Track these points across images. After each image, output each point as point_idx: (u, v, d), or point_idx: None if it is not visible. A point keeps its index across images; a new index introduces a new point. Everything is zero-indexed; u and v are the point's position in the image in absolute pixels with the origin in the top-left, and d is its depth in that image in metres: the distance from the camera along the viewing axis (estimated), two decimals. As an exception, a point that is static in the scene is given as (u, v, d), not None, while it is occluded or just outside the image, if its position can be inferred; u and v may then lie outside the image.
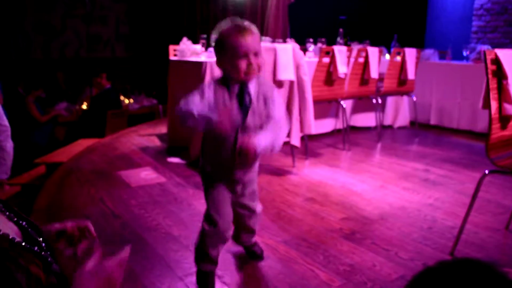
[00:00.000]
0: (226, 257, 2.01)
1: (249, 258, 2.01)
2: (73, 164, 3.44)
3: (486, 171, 1.98)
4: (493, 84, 1.95)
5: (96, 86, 5.80)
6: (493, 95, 1.94)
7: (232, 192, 1.73)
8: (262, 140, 1.51)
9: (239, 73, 1.53)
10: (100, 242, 1.01)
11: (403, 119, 5.18)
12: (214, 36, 1.59)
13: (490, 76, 1.93)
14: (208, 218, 1.70)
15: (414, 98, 4.77)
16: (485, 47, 4.60)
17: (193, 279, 1.81)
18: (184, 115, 1.53)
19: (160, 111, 6.36)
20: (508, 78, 1.95)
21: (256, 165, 1.76)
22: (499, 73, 1.97)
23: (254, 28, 1.56)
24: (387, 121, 5.14)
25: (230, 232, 1.76)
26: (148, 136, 4.46)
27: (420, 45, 6.75)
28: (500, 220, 2.49)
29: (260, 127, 1.59)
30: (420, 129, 4.96)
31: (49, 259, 0.75)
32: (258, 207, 1.87)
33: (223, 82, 1.59)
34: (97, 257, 0.83)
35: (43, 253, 0.74)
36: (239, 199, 1.77)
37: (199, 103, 1.53)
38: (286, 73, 3.17)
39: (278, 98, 1.64)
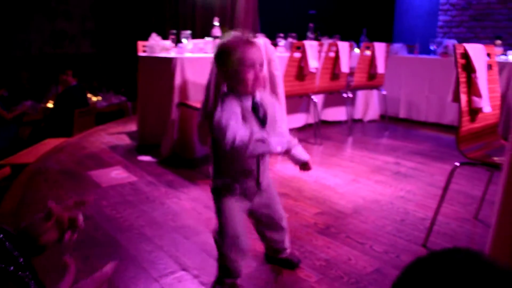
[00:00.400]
0: (202, 256, 1.99)
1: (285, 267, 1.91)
2: (40, 165, 3.32)
3: (457, 163, 2.01)
4: (462, 78, 1.98)
5: (61, 83, 5.63)
6: (463, 88, 1.97)
7: (250, 200, 1.68)
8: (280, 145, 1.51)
9: (246, 85, 1.50)
10: (71, 245, 0.98)
11: (373, 112, 5.25)
12: (216, 50, 1.57)
13: (459, 70, 1.97)
14: (221, 230, 1.64)
15: (384, 92, 4.84)
16: (451, 42, 4.71)
17: (168, 280, 1.78)
18: (245, 146, 1.44)
19: (130, 108, 6.23)
20: (477, 71, 1.99)
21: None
22: (468, 67, 2.00)
23: (257, 40, 1.58)
24: (357, 115, 5.20)
25: (245, 241, 1.68)
26: (117, 135, 4.36)
27: (388, 39, 6.85)
28: (469, 210, 2.55)
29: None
30: (390, 122, 5.04)
31: (26, 280, 0.69)
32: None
33: (234, 97, 1.54)
34: (71, 277, 0.78)
35: (20, 272, 0.69)
36: (258, 205, 1.72)
37: (241, 126, 1.48)
38: (258, 69, 3.15)
39: (279, 105, 1.70)
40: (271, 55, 3.27)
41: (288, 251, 1.91)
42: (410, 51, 5.36)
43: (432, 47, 5.05)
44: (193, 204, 2.62)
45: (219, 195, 1.66)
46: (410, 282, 0.63)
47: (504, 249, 1.65)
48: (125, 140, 4.14)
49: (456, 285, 0.55)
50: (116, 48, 7.53)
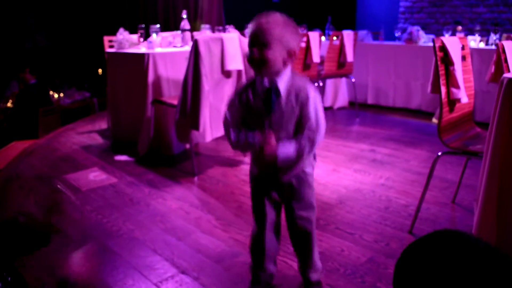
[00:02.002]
0: (198, 257, 1.99)
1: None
2: (11, 171, 3.20)
3: (439, 153, 2.09)
4: (441, 70, 2.05)
5: (21, 81, 5.40)
6: (442, 80, 2.05)
7: (279, 196, 1.63)
8: (284, 149, 1.43)
9: (250, 66, 1.46)
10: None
11: (343, 100, 5.35)
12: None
13: (438, 62, 2.04)
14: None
15: (353, 80, 4.93)
16: (415, 28, 4.84)
17: (169, 284, 1.78)
18: (235, 144, 1.53)
19: (96, 104, 6.06)
20: (454, 64, 2.07)
21: (302, 171, 1.58)
22: (446, 59, 2.08)
23: (271, 19, 1.41)
24: (327, 102, 5.29)
25: (267, 239, 1.66)
26: (88, 134, 4.25)
27: (351, 26, 6.97)
28: (446, 195, 2.67)
29: (291, 127, 1.47)
30: (359, 109, 5.16)
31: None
32: (313, 215, 1.65)
33: (251, 80, 1.51)
34: None
35: None
36: (290, 209, 1.63)
37: (233, 128, 1.52)
38: (234, 63, 3.14)
39: (315, 96, 1.45)
40: (246, 48, 3.26)
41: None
42: (375, 38, 5.48)
43: (396, 34, 5.18)
44: (179, 203, 2.61)
45: (251, 184, 1.66)
46: (409, 271, 0.69)
47: (489, 232, 1.75)
48: (97, 139, 4.04)
49: (449, 263, 0.62)
50: (76, 41, 7.26)
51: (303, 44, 4.18)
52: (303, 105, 1.43)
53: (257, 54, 1.40)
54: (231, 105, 1.53)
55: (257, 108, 1.48)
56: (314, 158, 1.63)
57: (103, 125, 4.55)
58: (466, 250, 0.65)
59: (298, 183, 1.58)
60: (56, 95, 6.11)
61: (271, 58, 1.39)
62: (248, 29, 1.43)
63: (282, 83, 1.45)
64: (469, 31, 5.16)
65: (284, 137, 1.47)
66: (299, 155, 1.46)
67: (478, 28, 4.61)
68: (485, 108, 4.12)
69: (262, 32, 1.39)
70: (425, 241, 0.68)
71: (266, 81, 1.46)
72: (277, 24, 1.40)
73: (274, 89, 1.45)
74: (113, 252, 2.05)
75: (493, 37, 4.38)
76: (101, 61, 5.18)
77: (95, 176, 3.06)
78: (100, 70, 6.79)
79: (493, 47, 4.36)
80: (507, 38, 4.14)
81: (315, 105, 1.45)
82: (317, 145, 1.48)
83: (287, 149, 1.44)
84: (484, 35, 4.66)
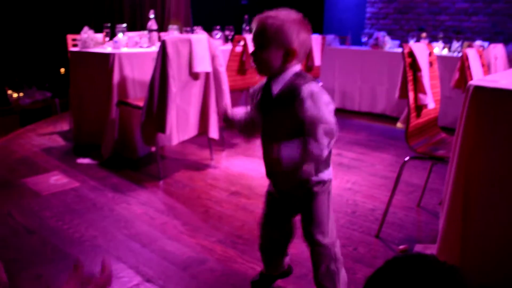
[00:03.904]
0: (164, 265, 1.93)
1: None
2: (-35, 174, 3.03)
3: (407, 158, 2.12)
4: (409, 76, 2.08)
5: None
6: (410, 86, 2.08)
7: (287, 206, 1.58)
8: (286, 151, 1.32)
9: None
10: (17, 265, 0.93)
11: (310, 103, 5.37)
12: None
13: (407, 68, 2.06)
14: None
15: (321, 83, 4.95)
16: (381, 34, 4.93)
17: (133, 294, 1.71)
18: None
19: (57, 105, 5.85)
20: (422, 70, 2.10)
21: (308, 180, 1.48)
22: (414, 65, 2.11)
23: (271, 17, 1.35)
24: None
25: (265, 242, 1.68)
26: (49, 135, 4.09)
27: (319, 31, 7.03)
28: (411, 199, 2.71)
29: (288, 128, 1.40)
30: (326, 112, 5.18)
31: None
32: (323, 239, 1.52)
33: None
34: None
35: None
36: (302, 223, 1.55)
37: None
38: (202, 65, 3.09)
39: (311, 95, 1.33)
40: (215, 50, 3.22)
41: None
42: (342, 42, 5.54)
43: (363, 39, 5.26)
44: (144, 208, 2.54)
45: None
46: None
47: (455, 236, 1.78)
48: (59, 142, 3.89)
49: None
50: (36, 38, 7.00)
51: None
52: (298, 105, 1.33)
53: (255, 55, 1.38)
54: (249, 102, 1.53)
55: (257, 107, 1.47)
56: (326, 165, 1.49)
57: (65, 126, 4.39)
58: (430, 276, 0.65)
59: (303, 195, 1.49)
60: (15, 95, 5.86)
61: (265, 59, 1.36)
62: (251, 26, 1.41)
63: (278, 84, 1.39)
64: (433, 38, 5.30)
65: (281, 138, 1.36)
66: (306, 156, 1.33)
67: (441, 35, 4.74)
68: (447, 114, 4.22)
69: (258, 32, 1.36)
70: (390, 268, 0.68)
71: (265, 81, 1.45)
72: (275, 23, 1.34)
73: (267, 89, 1.42)
74: (74, 259, 1.95)
75: (455, 45, 4.51)
76: (63, 60, 5.01)
77: (56, 180, 2.94)
78: (62, 70, 6.57)
79: (456, 54, 4.49)
80: (469, 46, 4.27)
81: (313, 104, 1.32)
82: (323, 141, 1.31)
83: (289, 150, 1.32)
84: (447, 42, 4.79)
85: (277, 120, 1.43)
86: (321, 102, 1.33)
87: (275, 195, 1.60)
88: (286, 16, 1.36)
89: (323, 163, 1.47)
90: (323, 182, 1.48)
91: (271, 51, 1.35)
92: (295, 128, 1.36)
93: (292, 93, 1.35)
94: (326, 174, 1.49)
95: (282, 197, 1.58)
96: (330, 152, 1.44)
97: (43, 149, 3.62)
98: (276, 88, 1.39)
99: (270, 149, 1.35)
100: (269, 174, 1.55)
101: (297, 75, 1.39)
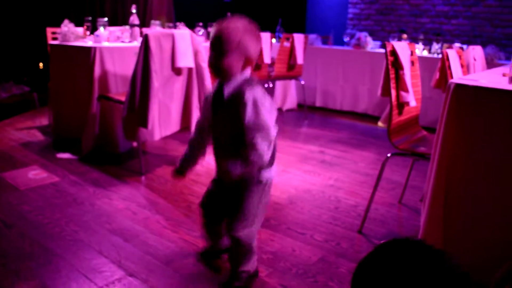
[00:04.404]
0: (147, 259, 1.92)
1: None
2: None
3: (389, 154, 2.15)
4: (392, 74, 2.11)
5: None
6: (392, 84, 2.11)
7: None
8: (234, 168, 1.43)
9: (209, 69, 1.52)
10: None
11: (291, 102, 5.41)
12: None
13: (389, 66, 2.09)
14: None
15: (302, 82, 4.99)
16: (363, 34, 4.98)
17: (116, 288, 1.70)
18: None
19: (36, 100, 5.73)
20: (404, 68, 2.14)
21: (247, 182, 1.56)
22: (396, 63, 2.14)
23: (231, 25, 1.43)
24: (276, 104, 5.32)
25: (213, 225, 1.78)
26: (27, 130, 4.00)
27: (301, 30, 7.07)
28: (393, 195, 2.75)
29: (233, 131, 1.48)
30: (308, 111, 5.23)
31: None
32: (238, 232, 1.58)
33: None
34: None
35: None
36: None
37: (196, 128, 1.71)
38: (185, 60, 3.07)
39: (253, 99, 1.42)
40: (198, 46, 3.21)
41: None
42: (325, 42, 5.58)
43: (345, 39, 5.31)
44: (126, 203, 2.51)
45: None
46: (368, 275, 0.70)
47: (436, 231, 1.82)
48: (38, 136, 3.81)
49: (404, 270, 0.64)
50: (14, 31, 6.85)
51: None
52: (241, 109, 1.42)
53: (214, 61, 1.45)
54: (203, 105, 1.62)
55: (209, 110, 1.56)
56: (269, 165, 1.55)
57: (43, 121, 4.32)
58: (422, 259, 0.66)
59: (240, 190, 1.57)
60: (-9, 89, 5.72)
61: (226, 66, 1.44)
62: (211, 33, 1.47)
63: (229, 87, 1.48)
64: (413, 40, 5.39)
65: (227, 139, 1.51)
66: (249, 165, 1.44)
67: (421, 37, 4.82)
68: (427, 113, 4.30)
69: (220, 40, 1.43)
70: (380, 252, 0.69)
71: (217, 85, 1.53)
72: (237, 32, 1.43)
73: (219, 92, 1.50)
74: (55, 254, 1.92)
75: (435, 46, 4.59)
76: (42, 53, 4.92)
77: (35, 174, 2.88)
78: (41, 64, 6.44)
79: (436, 55, 4.57)
80: (448, 48, 4.35)
81: (254, 109, 1.41)
82: (262, 148, 1.41)
83: (236, 165, 1.43)
84: (427, 44, 4.88)
85: (224, 121, 1.52)
86: (262, 107, 1.42)
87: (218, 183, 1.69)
88: (244, 26, 1.46)
89: (267, 164, 1.54)
90: (260, 181, 1.56)
91: (232, 58, 1.44)
92: (239, 130, 1.44)
93: (238, 97, 1.44)
94: (266, 173, 1.56)
95: (223, 187, 1.66)
96: (274, 153, 1.55)
97: (21, 144, 3.54)
98: (227, 91, 1.48)
99: (219, 153, 1.56)
100: (218, 172, 1.64)
101: (246, 80, 1.48)
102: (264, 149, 1.42)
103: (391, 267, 0.66)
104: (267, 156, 1.45)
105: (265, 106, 1.43)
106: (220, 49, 1.43)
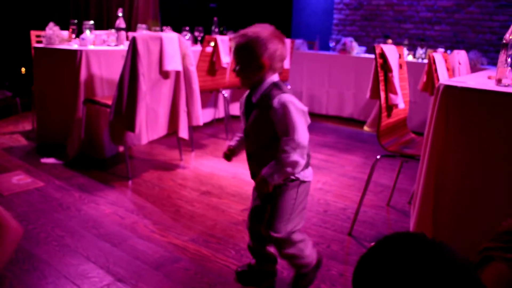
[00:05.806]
0: (136, 264, 1.88)
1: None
2: None
3: (378, 156, 2.16)
4: (381, 76, 2.12)
5: None
6: (382, 86, 2.12)
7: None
8: (271, 178, 1.46)
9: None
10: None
11: (278, 106, 5.41)
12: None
13: (378, 69, 2.11)
14: None
15: (289, 86, 5.00)
16: (349, 39, 5.02)
17: (105, 293, 1.66)
18: None
19: (18, 105, 5.63)
20: (393, 71, 2.15)
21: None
22: (385, 66, 2.15)
23: (236, 38, 1.48)
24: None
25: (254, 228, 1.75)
26: (10, 135, 3.93)
27: (287, 35, 7.08)
28: (381, 198, 2.76)
29: (265, 137, 1.51)
30: (294, 115, 5.23)
31: None
32: (276, 233, 1.57)
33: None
34: None
35: None
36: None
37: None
38: (173, 63, 3.05)
39: (282, 105, 1.43)
40: (186, 50, 3.19)
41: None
42: (311, 47, 5.61)
43: (331, 44, 5.34)
44: (113, 208, 2.47)
45: None
46: (369, 271, 0.70)
47: (425, 232, 1.82)
48: (21, 141, 3.74)
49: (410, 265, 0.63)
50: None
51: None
52: (270, 115, 1.45)
53: (240, 69, 1.50)
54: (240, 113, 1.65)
55: (243, 115, 1.60)
56: (304, 167, 1.54)
57: (27, 126, 4.24)
58: (421, 250, 0.66)
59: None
60: (-28, 94, 5.60)
61: (242, 74, 1.50)
62: (233, 41, 1.51)
63: (257, 93, 1.50)
64: (398, 45, 5.44)
65: (259, 143, 1.53)
66: (285, 173, 1.46)
67: (406, 42, 4.88)
68: (413, 118, 4.34)
69: (235, 50, 1.49)
70: (382, 247, 0.68)
71: (248, 91, 1.57)
72: (241, 41, 1.46)
73: (249, 99, 1.55)
74: (41, 260, 1.88)
75: (420, 51, 4.65)
76: (26, 57, 4.84)
77: (19, 179, 2.82)
78: (23, 69, 6.34)
79: (420, 60, 4.63)
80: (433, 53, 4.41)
81: (283, 114, 1.42)
82: (296, 157, 1.42)
83: (271, 177, 1.46)
84: (411, 49, 4.94)
85: (255, 126, 1.53)
86: (291, 112, 1.42)
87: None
88: (268, 32, 1.47)
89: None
90: (293, 180, 1.55)
91: (244, 66, 1.48)
92: (271, 136, 1.47)
93: (266, 102, 1.46)
94: (301, 173, 1.56)
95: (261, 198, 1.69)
96: (309, 156, 1.56)
97: (3, 149, 3.47)
98: (255, 97, 1.51)
99: (253, 164, 1.60)
100: (252, 177, 1.64)
101: (274, 84, 1.49)
102: (297, 158, 1.43)
103: (395, 259, 0.65)
104: (302, 163, 1.45)
105: (294, 109, 1.43)
106: (235, 60, 1.49)
